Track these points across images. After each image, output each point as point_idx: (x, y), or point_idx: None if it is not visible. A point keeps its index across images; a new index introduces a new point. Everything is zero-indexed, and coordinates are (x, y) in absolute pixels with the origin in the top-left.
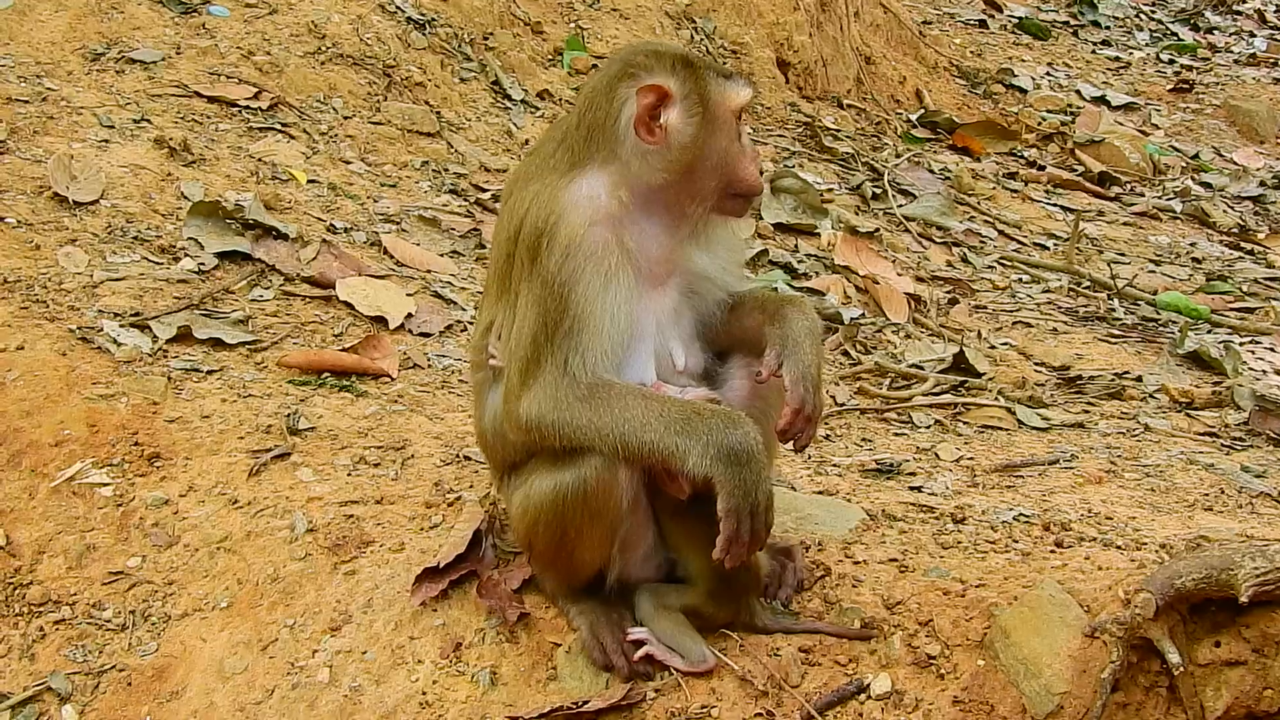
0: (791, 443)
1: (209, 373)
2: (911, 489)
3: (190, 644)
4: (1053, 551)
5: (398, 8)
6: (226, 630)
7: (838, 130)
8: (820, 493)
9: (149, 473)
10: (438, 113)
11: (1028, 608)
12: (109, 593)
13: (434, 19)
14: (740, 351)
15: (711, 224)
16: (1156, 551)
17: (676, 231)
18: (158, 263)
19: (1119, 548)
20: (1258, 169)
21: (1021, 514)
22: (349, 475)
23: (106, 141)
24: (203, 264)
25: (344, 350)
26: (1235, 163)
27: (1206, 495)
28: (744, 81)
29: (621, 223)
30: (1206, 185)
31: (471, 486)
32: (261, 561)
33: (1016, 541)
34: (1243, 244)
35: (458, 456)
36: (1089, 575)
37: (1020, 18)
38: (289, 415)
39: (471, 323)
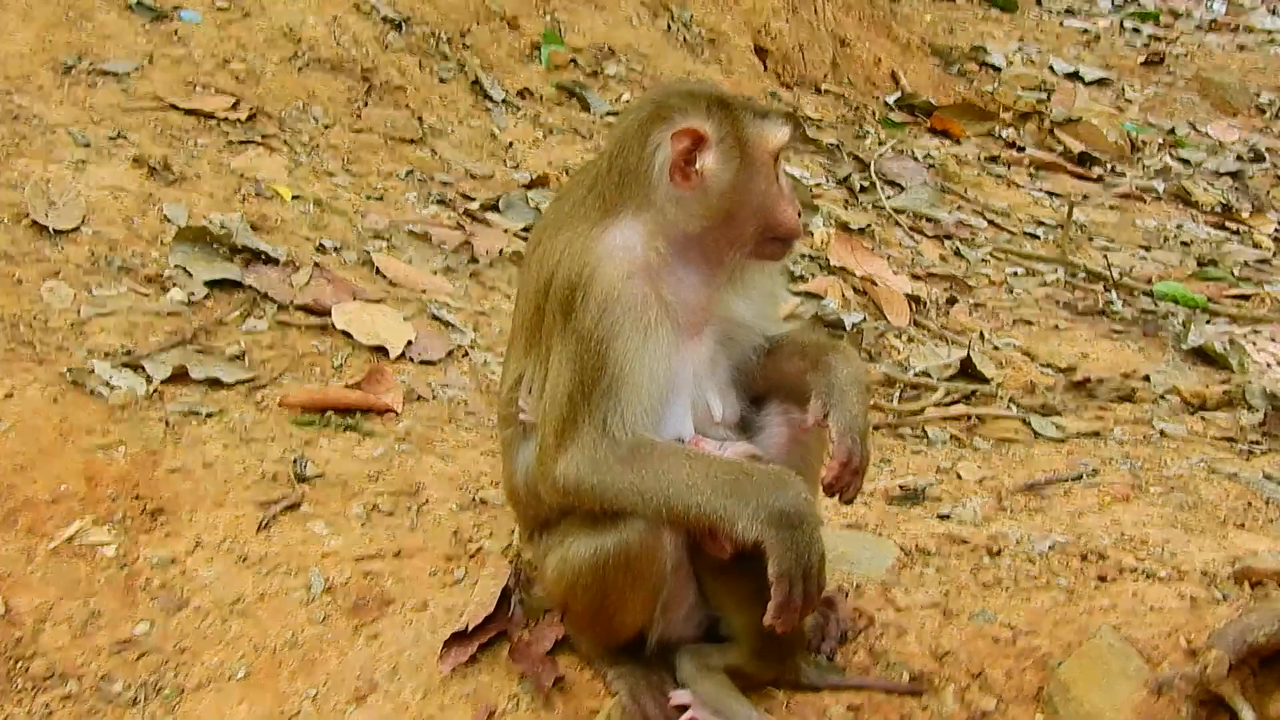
0: (837, 495)
1: (208, 415)
2: (940, 517)
3: (207, 719)
4: (1097, 588)
5: (373, 7)
6: (246, 702)
7: (820, 120)
8: (849, 526)
9: (152, 529)
10: (419, 117)
11: (1087, 659)
12: (117, 663)
13: (410, 17)
14: (777, 396)
15: (749, 269)
16: (1200, 581)
17: (713, 279)
18: (145, 294)
19: (1162, 579)
20: (1233, 142)
21: (1056, 542)
22: (363, 526)
23: (83, 162)
24: (192, 294)
25: (347, 387)
26: (1211, 136)
27: (1235, 509)
28: (781, 120)
29: (658, 273)
30: (1185, 162)
31: (491, 534)
32: (278, 625)
33: (1058, 576)
34: (1227, 224)
35: (474, 500)
36: (1142, 618)
37: None
38: (295, 460)
39: (473, 346)
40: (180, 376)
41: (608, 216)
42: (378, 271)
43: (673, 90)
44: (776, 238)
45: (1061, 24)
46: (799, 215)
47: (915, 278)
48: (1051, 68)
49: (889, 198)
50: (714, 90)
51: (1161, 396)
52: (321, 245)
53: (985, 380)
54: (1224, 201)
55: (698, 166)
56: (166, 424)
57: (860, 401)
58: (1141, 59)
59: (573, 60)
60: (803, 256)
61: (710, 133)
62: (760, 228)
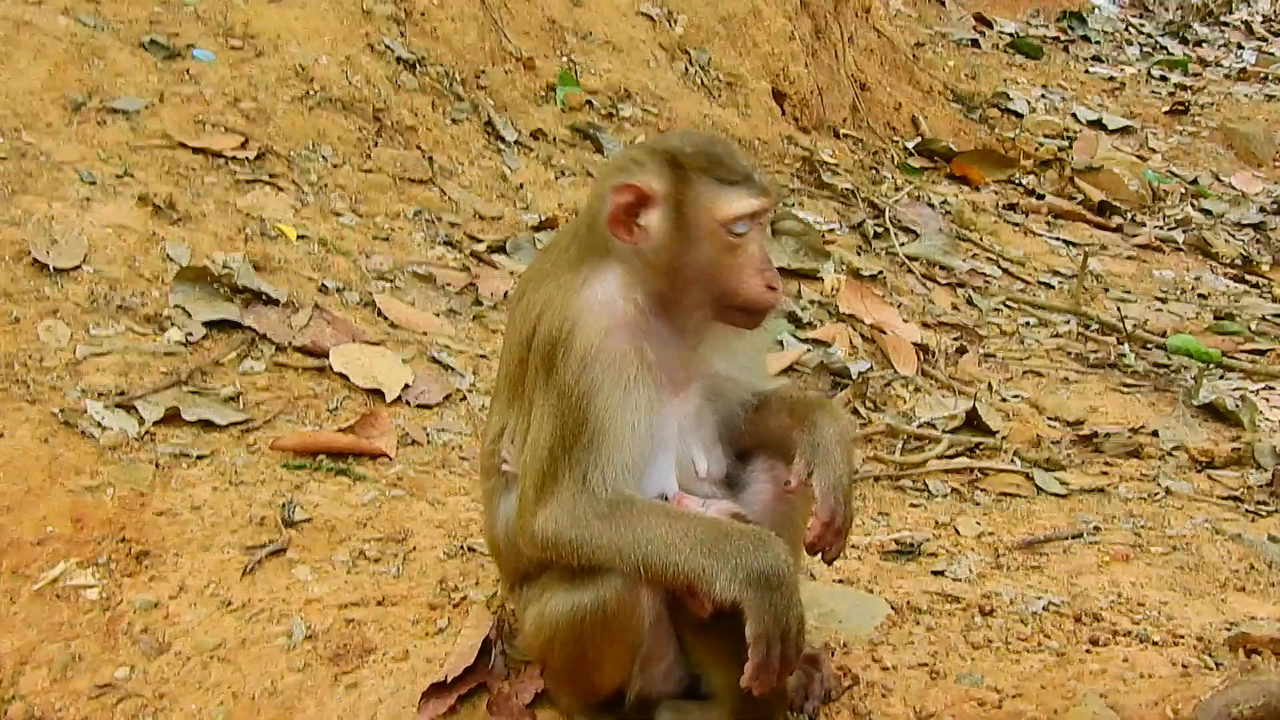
0: (819, 555)
1: (199, 458)
2: (934, 573)
3: None
4: (1088, 651)
5: (387, 47)
6: None
7: (836, 165)
8: (840, 581)
9: (137, 572)
10: (430, 158)
11: None
12: (96, 708)
13: (424, 58)
14: (764, 453)
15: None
16: (1194, 647)
17: (689, 336)
18: (143, 334)
19: (1155, 643)
20: (1256, 193)
21: (1051, 603)
22: (348, 573)
23: (88, 200)
24: (190, 334)
25: (340, 431)
26: (1234, 187)
27: (1237, 572)
28: (747, 192)
29: (638, 328)
30: (1206, 212)
31: (477, 583)
32: (258, 672)
33: (1049, 638)
34: (1247, 276)
35: (461, 548)
36: (1131, 685)
37: (1011, 34)
38: (284, 505)
39: (470, 390)
40: (173, 418)
41: (585, 267)
42: (379, 313)
43: (644, 145)
44: (738, 307)
45: (1087, 71)
46: (772, 287)
47: (925, 326)
48: (1075, 115)
49: (903, 244)
50: (679, 147)
51: (1169, 453)
52: (324, 286)
53: (991, 432)
54: (1244, 254)
55: (641, 223)
56: (156, 466)
57: (845, 461)
58: (1166, 108)
59: (588, 102)
60: (811, 303)
61: (657, 191)
62: (714, 295)
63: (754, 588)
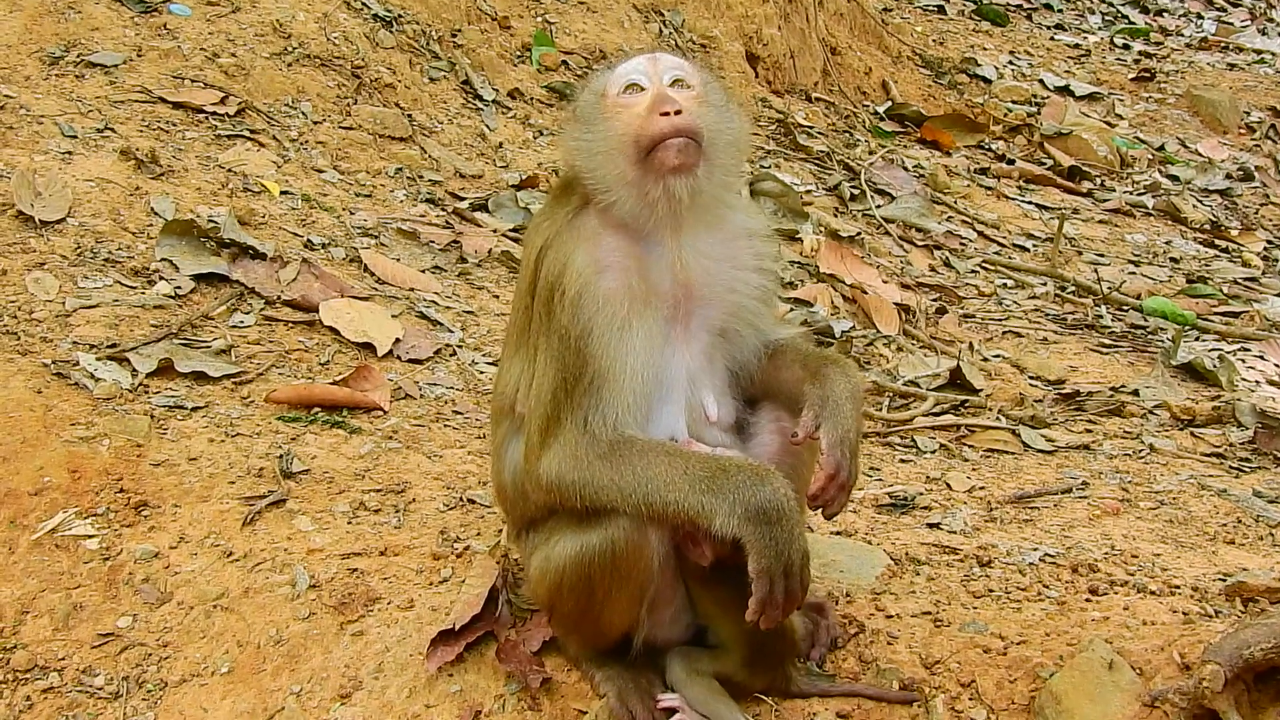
0: (821, 509)
1: (194, 409)
2: (930, 526)
3: (190, 713)
4: (1088, 600)
5: (364, 4)
6: (229, 698)
7: (810, 127)
8: (838, 533)
9: (136, 522)
10: (409, 115)
11: (1079, 672)
12: (99, 656)
13: (401, 15)
14: (772, 402)
15: (698, 229)
16: (1191, 596)
17: (667, 238)
18: (132, 287)
19: (1154, 593)
20: (1222, 160)
21: (1046, 554)
22: (349, 523)
23: (70, 153)
24: (179, 287)
25: (334, 383)
26: (1200, 154)
27: (1225, 526)
28: (625, 60)
29: (627, 255)
30: (1174, 178)
31: (479, 534)
32: (262, 621)
33: (1048, 588)
34: (1216, 241)
35: (461, 500)
36: (1135, 631)
37: (977, 2)
38: (281, 456)
39: (460, 345)
40: (166, 370)
41: (574, 203)
42: (366, 269)
43: None
44: (646, 151)
45: (1052, 38)
46: (664, 113)
47: (905, 287)
48: (1042, 81)
49: (879, 207)
50: None
51: (1150, 411)
52: (309, 241)
53: (975, 391)
54: (1213, 219)
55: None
56: (151, 417)
57: (854, 417)
58: (1132, 75)
59: (564, 62)
60: (792, 263)
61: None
62: (628, 157)
63: (753, 522)
